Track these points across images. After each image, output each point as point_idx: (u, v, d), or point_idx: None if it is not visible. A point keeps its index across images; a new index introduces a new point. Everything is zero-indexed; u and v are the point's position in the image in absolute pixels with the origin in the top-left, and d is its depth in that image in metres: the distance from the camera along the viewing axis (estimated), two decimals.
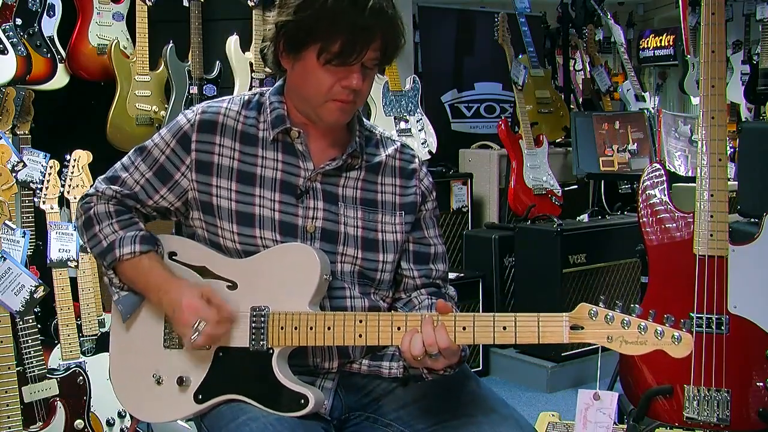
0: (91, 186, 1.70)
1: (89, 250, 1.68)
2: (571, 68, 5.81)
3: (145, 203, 1.64)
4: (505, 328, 1.41)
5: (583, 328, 1.38)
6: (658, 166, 2.44)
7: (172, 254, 1.62)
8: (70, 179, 2.78)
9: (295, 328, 1.49)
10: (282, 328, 1.50)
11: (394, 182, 1.67)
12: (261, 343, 1.51)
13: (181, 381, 1.55)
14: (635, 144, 4.38)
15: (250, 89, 3.62)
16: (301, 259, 1.52)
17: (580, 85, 5.79)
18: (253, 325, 1.52)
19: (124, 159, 1.68)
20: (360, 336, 1.48)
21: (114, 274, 1.62)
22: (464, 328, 1.42)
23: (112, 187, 1.64)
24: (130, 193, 1.63)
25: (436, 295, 1.69)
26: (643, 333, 1.35)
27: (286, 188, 1.59)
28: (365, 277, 1.63)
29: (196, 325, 1.49)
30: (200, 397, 1.54)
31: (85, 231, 1.66)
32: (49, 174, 2.74)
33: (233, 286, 1.57)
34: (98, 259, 1.65)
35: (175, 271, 1.61)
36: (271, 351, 1.51)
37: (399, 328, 1.45)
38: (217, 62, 3.61)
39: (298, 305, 1.51)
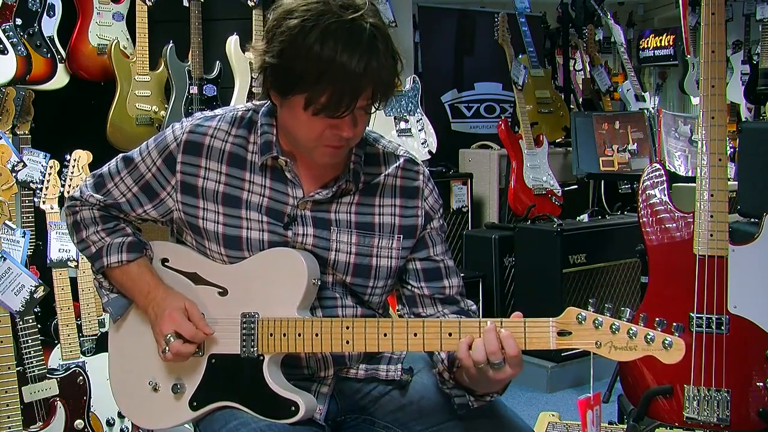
0: (77, 187, 1.69)
1: (79, 252, 1.68)
2: (571, 68, 5.82)
3: (129, 214, 1.63)
4: None
5: (570, 333, 1.33)
6: (658, 166, 2.44)
7: (164, 261, 1.62)
8: (70, 179, 2.78)
9: (284, 335, 1.48)
10: (271, 334, 1.49)
11: (393, 203, 1.58)
12: (252, 349, 1.50)
13: (175, 388, 1.55)
14: (635, 144, 4.38)
15: (250, 89, 3.62)
16: (289, 264, 1.50)
17: (580, 85, 5.80)
18: (244, 331, 1.51)
19: (112, 165, 1.64)
20: (347, 342, 1.46)
21: (103, 278, 1.64)
22: (450, 335, 1.40)
23: (95, 195, 1.62)
24: (114, 203, 1.62)
25: (460, 314, 1.61)
26: (632, 338, 1.31)
27: (273, 214, 1.54)
28: (355, 295, 1.60)
29: (167, 337, 1.49)
30: (195, 404, 1.54)
31: (74, 233, 1.66)
32: (49, 174, 2.74)
33: (224, 292, 1.56)
34: (89, 261, 1.66)
35: (167, 277, 1.60)
36: (261, 357, 1.50)
37: (385, 335, 1.44)
38: (217, 62, 3.61)
39: (287, 311, 1.49)
